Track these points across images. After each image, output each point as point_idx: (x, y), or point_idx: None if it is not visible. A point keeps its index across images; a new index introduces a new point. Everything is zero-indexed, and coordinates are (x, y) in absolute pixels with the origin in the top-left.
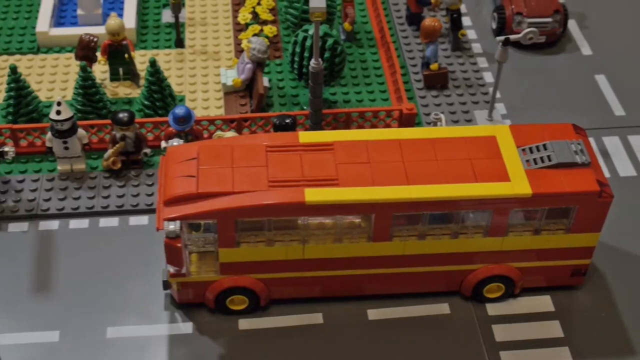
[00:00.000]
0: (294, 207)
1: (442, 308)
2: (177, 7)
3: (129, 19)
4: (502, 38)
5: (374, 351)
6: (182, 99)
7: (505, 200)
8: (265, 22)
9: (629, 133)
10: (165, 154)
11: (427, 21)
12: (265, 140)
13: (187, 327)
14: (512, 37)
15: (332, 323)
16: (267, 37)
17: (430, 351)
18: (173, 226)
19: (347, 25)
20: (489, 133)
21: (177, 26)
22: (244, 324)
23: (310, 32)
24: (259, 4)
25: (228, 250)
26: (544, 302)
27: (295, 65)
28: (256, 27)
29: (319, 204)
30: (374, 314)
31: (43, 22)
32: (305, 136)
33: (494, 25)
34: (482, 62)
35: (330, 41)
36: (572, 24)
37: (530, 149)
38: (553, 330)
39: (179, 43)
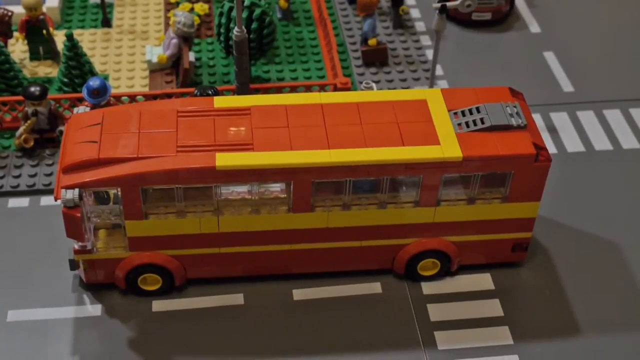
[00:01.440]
0: (203, 173)
1: (374, 287)
2: None
3: None
4: (438, 5)
5: (299, 333)
6: (105, 77)
7: (435, 165)
8: (197, 0)
9: (577, 109)
10: (69, 120)
11: None
12: (177, 106)
13: (95, 310)
14: (449, 3)
15: (254, 304)
16: (198, 15)
17: (359, 332)
18: (71, 195)
19: (282, 2)
20: (419, 97)
21: (103, 5)
22: (158, 305)
23: (245, 3)
24: None
25: (135, 222)
26: (483, 280)
27: (222, 38)
28: (187, 5)
29: (231, 169)
30: (299, 294)
31: None
32: (221, 101)
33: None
34: (425, 40)
35: (257, 11)
36: (520, 3)
37: (463, 112)
38: (492, 309)
39: (106, 23)
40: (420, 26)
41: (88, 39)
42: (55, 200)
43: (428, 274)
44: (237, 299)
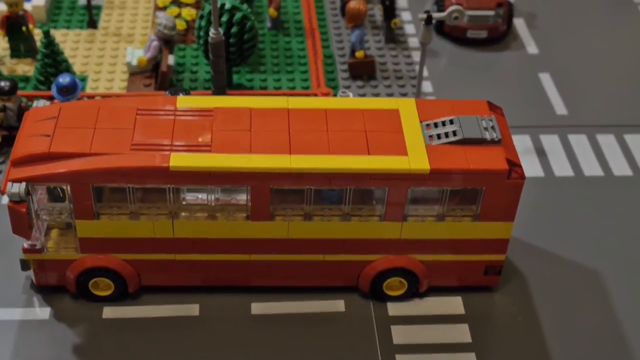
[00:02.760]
0: (156, 173)
1: (337, 305)
2: None
3: None
4: (424, 16)
5: (254, 348)
6: (83, 79)
7: (401, 176)
8: (185, 5)
9: (570, 132)
10: (26, 114)
11: (352, 3)
12: (137, 104)
13: (44, 313)
14: (435, 14)
15: (209, 315)
16: (185, 20)
17: (317, 351)
18: (17, 188)
19: (272, 10)
20: (391, 106)
21: (90, 7)
22: (109, 311)
23: (226, 6)
24: None
25: (86, 222)
26: (453, 304)
27: (201, 41)
28: (175, 10)
29: (185, 170)
30: (258, 307)
31: None
32: (184, 101)
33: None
34: (417, 56)
35: (238, 15)
36: (519, 23)
37: (436, 123)
38: (460, 335)
39: (92, 24)
40: (413, 42)
41: (72, 39)
42: (2, 193)
43: (395, 294)
44: (193, 309)
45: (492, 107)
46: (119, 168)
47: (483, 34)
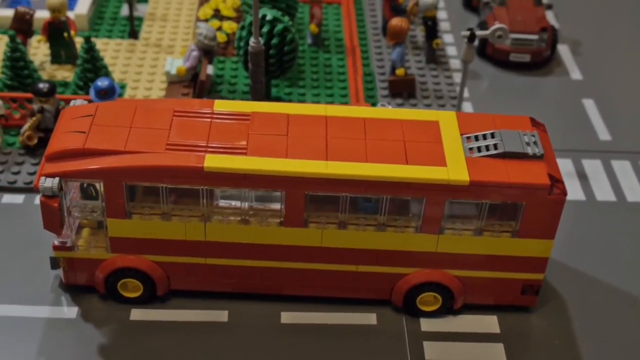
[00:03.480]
0: (191, 173)
1: (368, 318)
2: None
3: (82, 5)
4: (467, 33)
5: (282, 357)
6: (122, 87)
7: (439, 187)
8: (226, 18)
9: (612, 158)
10: (62, 111)
11: (394, 21)
12: (175, 105)
13: (71, 312)
14: (479, 32)
15: (238, 322)
16: (226, 33)
17: None
18: (50, 183)
19: (313, 26)
20: (431, 118)
21: (132, 17)
22: (137, 314)
23: (268, 17)
24: (224, 1)
25: (118, 221)
26: (488, 322)
27: (241, 52)
28: (216, 23)
29: (219, 172)
30: (288, 317)
31: None
32: (222, 104)
33: (476, 42)
34: (459, 78)
35: (279, 26)
36: (564, 50)
37: (477, 136)
38: (494, 354)
39: (133, 35)
40: (455, 63)
41: (113, 48)
42: (35, 188)
43: (429, 309)
44: (221, 315)
45: (535, 124)
46: (153, 167)
47: (526, 58)
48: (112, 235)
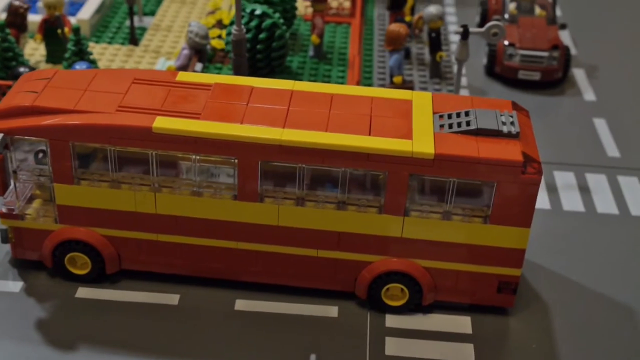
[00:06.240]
0: (139, 134)
1: (329, 310)
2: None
3: (86, 11)
4: (459, 29)
5: (232, 344)
6: None
7: (401, 160)
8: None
9: (619, 174)
10: (22, 76)
11: (392, 26)
12: (137, 74)
13: (16, 286)
14: (473, 29)
15: (188, 306)
16: (226, 41)
17: (299, 354)
18: None
19: (314, 37)
20: (405, 97)
21: (132, 25)
22: (83, 292)
23: (257, 12)
24: (230, 11)
25: (65, 187)
26: (460, 322)
27: (229, 48)
28: (216, 31)
29: (169, 133)
30: (242, 304)
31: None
32: (185, 76)
33: (485, 60)
34: (463, 93)
35: (268, 21)
36: (579, 73)
37: (450, 115)
38: (462, 355)
39: (133, 42)
40: (461, 81)
41: (110, 52)
42: None
43: (395, 304)
44: (172, 298)
45: (518, 108)
46: (101, 126)
47: (536, 76)
48: (60, 202)
